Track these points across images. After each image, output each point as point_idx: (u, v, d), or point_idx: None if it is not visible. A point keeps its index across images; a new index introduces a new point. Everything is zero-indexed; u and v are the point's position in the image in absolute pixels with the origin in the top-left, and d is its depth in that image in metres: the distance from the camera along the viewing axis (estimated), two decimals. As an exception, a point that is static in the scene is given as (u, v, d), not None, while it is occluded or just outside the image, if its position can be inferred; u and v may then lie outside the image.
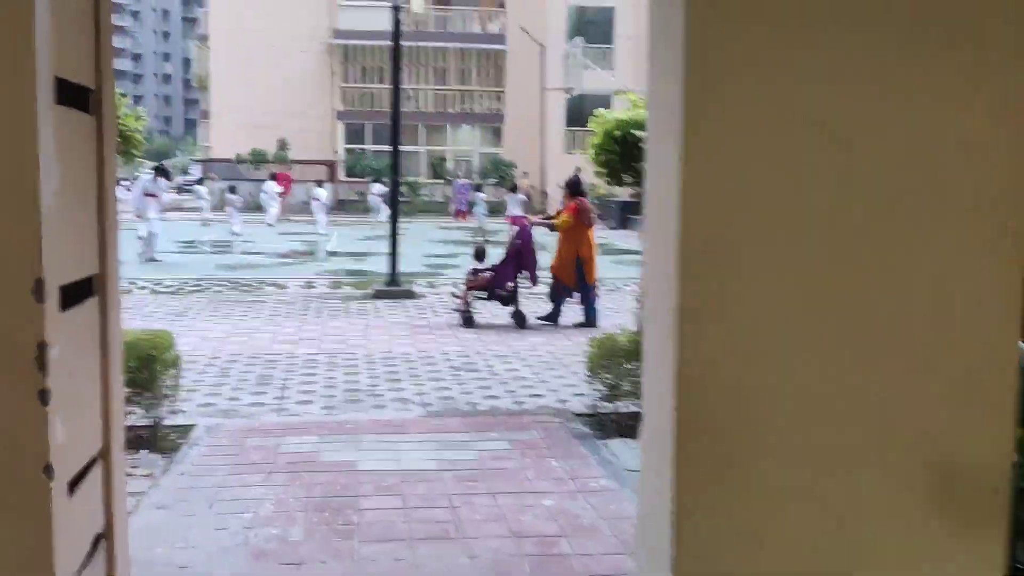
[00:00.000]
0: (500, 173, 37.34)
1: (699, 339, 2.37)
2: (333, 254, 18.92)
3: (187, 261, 16.38)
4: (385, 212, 26.47)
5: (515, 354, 8.60)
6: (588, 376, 6.25)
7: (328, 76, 40.23)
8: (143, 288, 12.66)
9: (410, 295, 12.18)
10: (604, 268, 15.20)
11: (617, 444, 5.63)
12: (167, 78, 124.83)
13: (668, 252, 2.41)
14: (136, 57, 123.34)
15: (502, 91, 40.51)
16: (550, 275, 10.43)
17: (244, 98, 38.50)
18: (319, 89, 39.92)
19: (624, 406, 6.01)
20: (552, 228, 10.42)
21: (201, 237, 22.39)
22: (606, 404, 6.12)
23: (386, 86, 40.59)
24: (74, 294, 2.46)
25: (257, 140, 37.40)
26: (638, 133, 5.84)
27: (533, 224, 10.56)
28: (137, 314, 10.42)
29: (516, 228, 10.57)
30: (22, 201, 2.08)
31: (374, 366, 7.98)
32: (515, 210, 22.15)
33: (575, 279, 10.17)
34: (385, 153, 39.67)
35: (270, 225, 25.84)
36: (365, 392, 7.02)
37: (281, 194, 31.29)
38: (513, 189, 23.25)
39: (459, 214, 32.51)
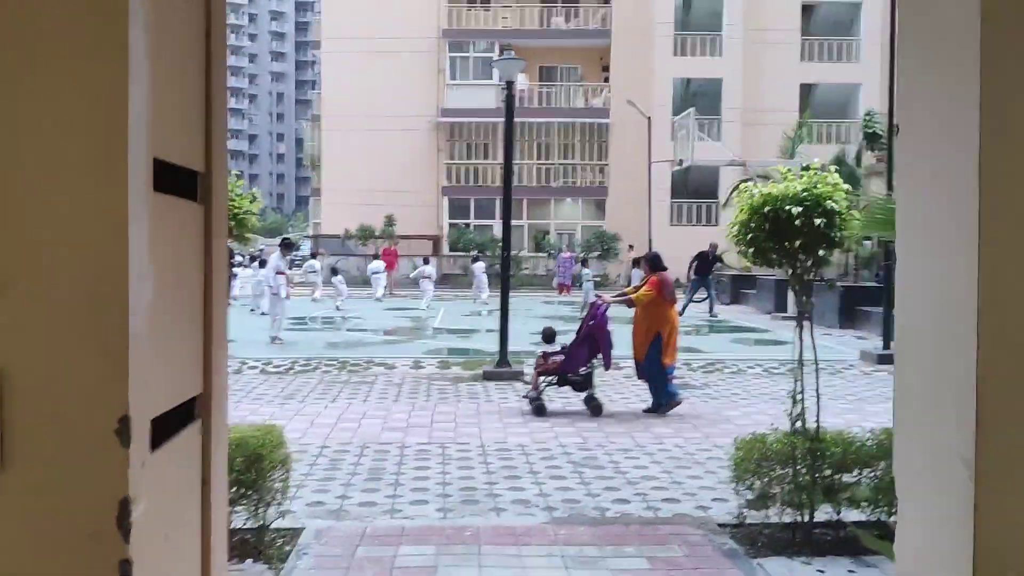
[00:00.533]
0: (604, 246, 36.89)
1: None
2: (439, 331, 18.65)
3: (297, 339, 16.28)
4: (487, 287, 26.44)
5: (639, 447, 7.92)
6: (733, 482, 5.55)
7: (435, 153, 40.88)
8: (253, 367, 12.52)
9: (519, 376, 11.65)
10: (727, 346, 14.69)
11: (774, 565, 4.89)
12: (280, 157, 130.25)
13: (954, 345, 1.79)
14: (252, 138, 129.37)
15: (606, 164, 40.38)
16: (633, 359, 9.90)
17: (353, 176, 39.42)
18: (425, 166, 40.57)
19: (775, 515, 5.30)
20: (630, 304, 9.64)
21: (311, 313, 22.53)
22: (754, 512, 5.41)
23: (490, 162, 41.09)
24: (170, 423, 2.00)
25: (365, 216, 38.05)
26: (791, 208, 5.21)
27: (608, 303, 9.75)
28: (245, 396, 10.21)
29: (593, 306, 9.85)
30: (108, 310, 1.64)
31: (488, 458, 7.43)
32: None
33: (644, 355, 9.53)
34: (488, 227, 40.04)
35: (378, 300, 25.95)
36: (482, 491, 6.45)
37: (387, 269, 31.52)
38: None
39: (562, 288, 32.03)
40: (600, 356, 9.51)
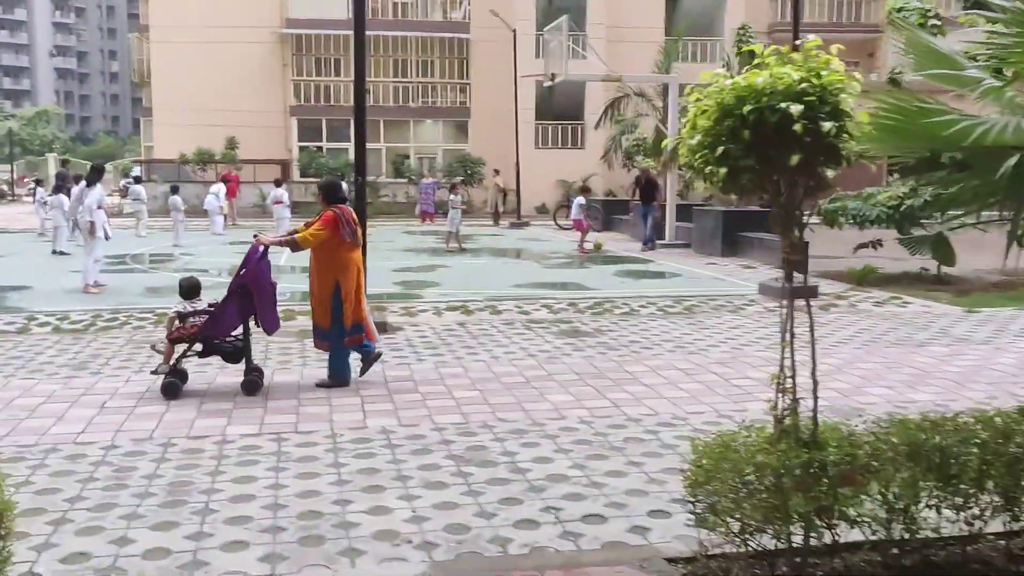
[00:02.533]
0: (468, 170, 34.91)
1: None
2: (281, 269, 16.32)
3: (114, 283, 13.65)
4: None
5: (540, 430, 6.18)
6: (688, 499, 3.86)
7: (280, 69, 37.46)
8: (44, 324, 10.02)
9: (380, 328, 9.64)
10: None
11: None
12: (114, 76, 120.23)
13: None
14: (81, 55, 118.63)
15: (468, 83, 38.13)
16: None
17: (189, 94, 35.62)
18: (270, 83, 37.16)
19: (748, 540, 3.66)
20: (294, 247, 7.31)
21: (136, 250, 19.61)
22: (713, 537, 3.76)
23: (343, 79, 37.90)
24: None
25: (204, 139, 34.52)
26: (788, 107, 3.41)
27: (267, 244, 7.19)
28: (23, 367, 7.83)
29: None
30: None
31: (345, 447, 5.52)
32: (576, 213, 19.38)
33: (329, 319, 7.31)
34: (342, 151, 37.17)
35: (217, 235, 23.11)
36: (330, 519, 4.54)
37: (229, 197, 28.56)
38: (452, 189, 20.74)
39: (424, 216, 30.01)
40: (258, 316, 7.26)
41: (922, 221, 13.51)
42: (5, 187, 48.67)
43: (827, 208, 14.73)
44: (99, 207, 12.59)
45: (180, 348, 7.15)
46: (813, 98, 3.47)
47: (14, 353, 8.52)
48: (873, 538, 3.77)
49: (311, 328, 7.65)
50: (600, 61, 22.65)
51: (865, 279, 13.71)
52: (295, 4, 36.54)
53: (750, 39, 25.36)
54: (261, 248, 7.15)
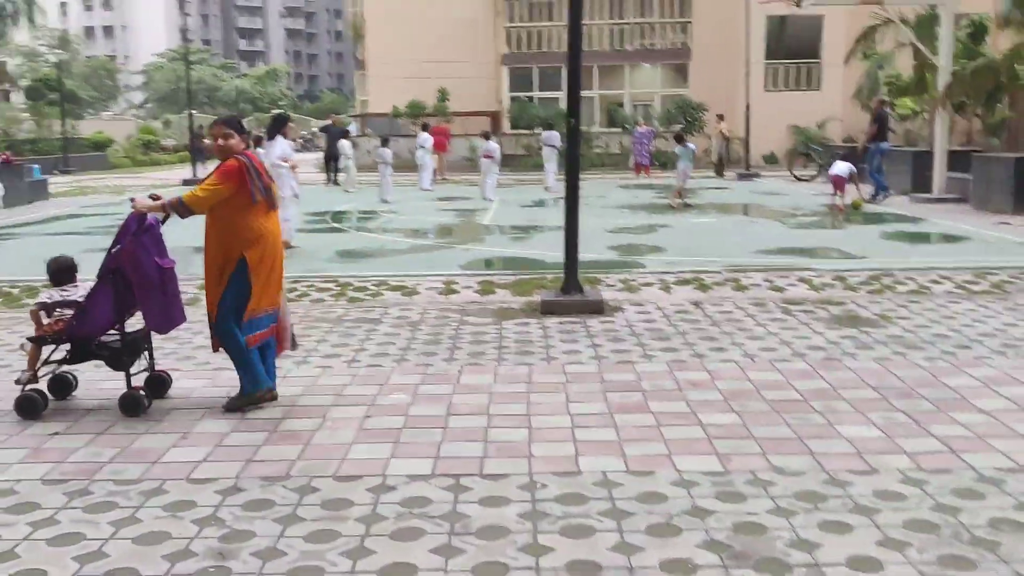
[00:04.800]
0: (687, 117, 32.08)
1: None
2: (488, 230, 14.75)
3: (308, 244, 12.60)
4: (554, 171, 22.22)
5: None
6: None
7: (491, 16, 36.04)
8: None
9: (596, 309, 7.73)
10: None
11: None
12: (339, 34, 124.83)
13: None
14: (309, 16, 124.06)
15: (689, 22, 35.10)
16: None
17: (402, 46, 35.02)
18: (482, 32, 35.84)
19: None
20: (182, 210, 5.15)
21: (340, 206, 18.79)
22: None
23: (556, 23, 35.96)
24: None
25: (417, 92, 33.78)
26: None
27: (144, 210, 5.18)
28: (179, 348, 6.56)
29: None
30: None
31: (549, 510, 3.68)
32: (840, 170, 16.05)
33: (217, 302, 5.22)
34: (553, 100, 35.37)
35: (425, 190, 21.99)
36: None
37: (438, 150, 27.54)
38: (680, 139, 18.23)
39: (639, 168, 27.70)
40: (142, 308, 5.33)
41: None
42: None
43: None
44: (284, 161, 11.39)
45: (48, 350, 5.36)
46: None
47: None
48: None
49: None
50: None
51: None
52: (507, -54, 34.92)
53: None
54: (137, 217, 5.13)
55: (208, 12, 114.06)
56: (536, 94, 35.51)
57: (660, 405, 5.24)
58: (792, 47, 33.68)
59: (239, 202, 5.14)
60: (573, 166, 7.80)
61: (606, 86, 35.49)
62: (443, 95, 33.53)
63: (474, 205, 18.71)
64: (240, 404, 5.24)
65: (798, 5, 17.39)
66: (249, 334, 5.23)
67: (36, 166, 21.19)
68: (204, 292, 5.43)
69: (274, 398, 5.35)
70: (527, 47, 35.77)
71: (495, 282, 9.22)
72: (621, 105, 35.25)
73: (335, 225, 15.47)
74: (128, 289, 5.18)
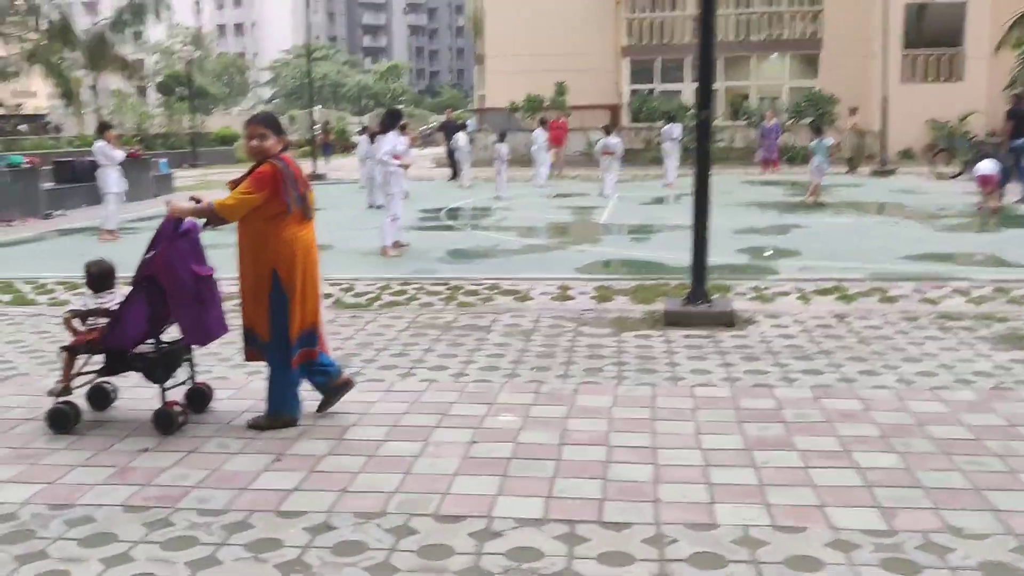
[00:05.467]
0: (818, 109, 30.51)
1: None
2: (607, 227, 14.14)
3: (420, 243, 12.31)
4: (675, 167, 21.38)
5: None
6: None
7: (612, 6, 35.24)
8: (325, 297, 8.60)
9: (727, 321, 7.06)
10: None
11: None
12: (459, 30, 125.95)
13: None
14: (431, 12, 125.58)
15: (820, 9, 33.44)
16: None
17: (521, 39, 34.68)
18: (602, 23, 35.10)
19: None
20: (211, 217, 4.73)
21: (455, 202, 18.52)
22: None
23: (678, 13, 34.93)
24: None
25: (534, 85, 33.33)
26: None
27: (180, 215, 4.78)
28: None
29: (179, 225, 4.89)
30: None
31: (681, 573, 3.14)
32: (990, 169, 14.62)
33: (268, 325, 4.80)
34: (675, 93, 34.34)
35: (538, 187, 21.47)
36: None
37: (555, 145, 27.06)
38: (818, 131, 17.06)
39: (766, 164, 26.44)
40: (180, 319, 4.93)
41: None
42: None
43: None
44: (395, 157, 11.08)
45: (83, 360, 5.04)
46: None
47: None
48: None
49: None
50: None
51: None
52: (631, -65, 34.06)
53: None
54: (173, 222, 4.75)
55: (334, 10, 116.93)
56: (658, 86, 34.55)
57: (806, 440, 4.57)
58: (932, 36, 31.64)
59: (272, 211, 4.71)
60: (703, 162, 7.14)
61: (731, 77, 34.20)
62: (561, 89, 32.98)
63: (591, 202, 18.11)
64: (267, 424, 4.87)
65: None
66: (294, 354, 4.86)
67: (163, 160, 21.79)
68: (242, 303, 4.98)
69: (294, 424, 4.92)
70: (648, 39, 34.83)
71: (613, 288, 8.62)
72: (747, 98, 33.91)
73: (449, 222, 15.16)
74: (162, 298, 4.82)
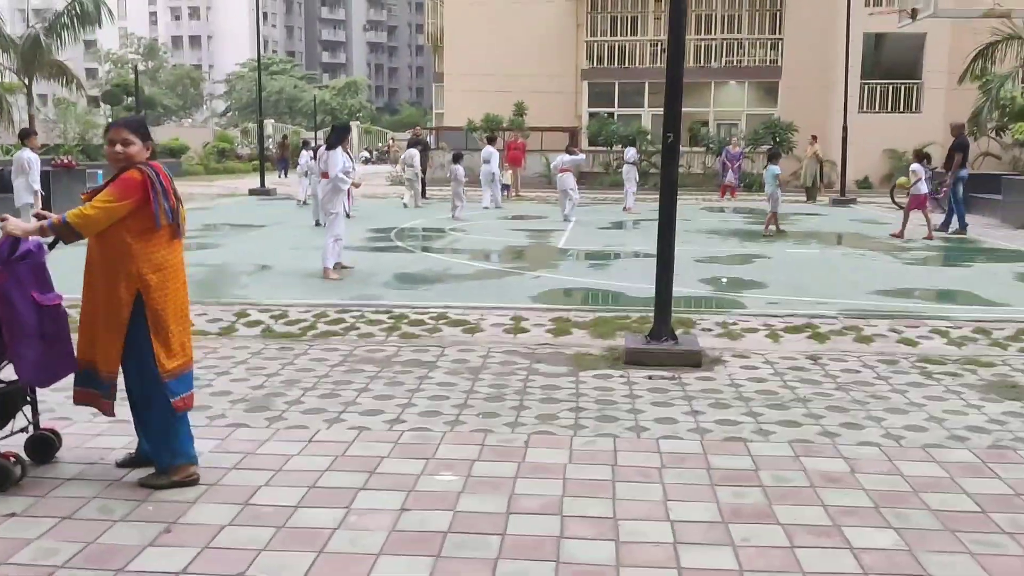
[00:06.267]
0: (776, 137, 30.41)
1: None
2: (565, 253, 13.54)
3: (365, 264, 11.60)
4: (633, 191, 20.88)
5: None
6: None
7: (573, 29, 34.96)
8: (254, 324, 7.85)
9: (693, 360, 6.45)
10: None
11: None
12: (420, 49, 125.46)
13: None
14: (391, 30, 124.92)
15: (780, 38, 33.52)
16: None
17: (480, 58, 34.25)
18: (562, 45, 34.78)
19: None
20: (66, 232, 3.96)
21: (407, 223, 17.81)
22: None
23: (638, 38, 34.71)
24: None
25: (493, 105, 32.83)
26: None
27: (17, 235, 4.04)
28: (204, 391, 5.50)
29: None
30: None
31: None
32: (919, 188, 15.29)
33: (116, 359, 4.08)
34: (634, 117, 34.03)
35: (488, 208, 20.76)
36: None
37: (513, 165, 26.58)
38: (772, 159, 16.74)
39: (725, 189, 26.21)
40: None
41: None
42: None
43: None
44: (344, 174, 10.36)
45: None
46: None
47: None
48: None
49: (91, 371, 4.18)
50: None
51: None
52: (590, -43, 33.86)
53: None
54: (26, 242, 4.09)
55: (293, 24, 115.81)
56: (616, 110, 34.24)
57: (790, 511, 3.94)
58: (890, 67, 31.83)
59: (138, 225, 4.00)
60: (670, 189, 6.53)
61: (690, 104, 33.79)
62: (520, 109, 32.52)
63: (548, 225, 17.53)
64: (159, 483, 4.13)
65: (913, 17, 15.79)
66: (177, 396, 4.13)
67: (100, 171, 20.75)
68: (79, 336, 4.19)
69: (196, 480, 4.17)
70: (608, 62, 34.58)
71: (571, 319, 7.98)
72: (705, 124, 33.74)
73: (398, 244, 14.44)
74: None
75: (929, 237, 15.01)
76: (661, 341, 6.59)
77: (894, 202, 22.36)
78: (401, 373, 6.24)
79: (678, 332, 6.87)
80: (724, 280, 10.54)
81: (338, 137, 10.62)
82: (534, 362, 6.57)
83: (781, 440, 4.90)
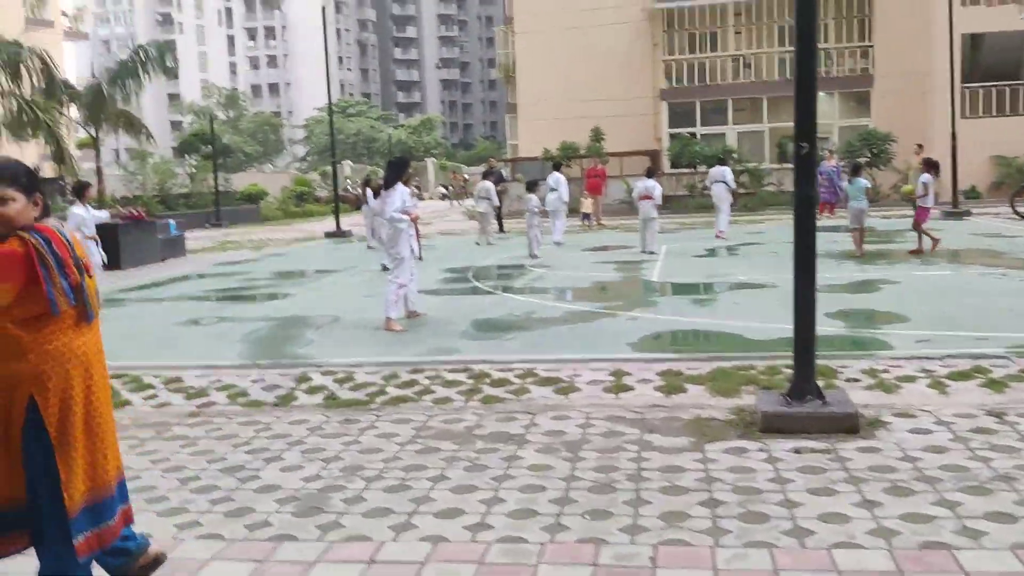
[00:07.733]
0: (873, 148, 28.59)
1: None
2: (660, 291, 12.24)
3: (438, 311, 10.57)
4: (727, 213, 19.41)
5: None
6: None
7: (649, 49, 33.79)
8: (317, 391, 6.83)
9: (849, 426, 5.13)
10: None
11: None
12: (492, 83, 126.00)
13: None
14: (463, 66, 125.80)
15: (870, 46, 31.76)
16: None
17: (553, 85, 33.42)
18: (638, 66, 33.65)
19: None
20: None
21: (483, 261, 16.77)
22: None
23: (719, 54, 33.26)
24: None
25: (569, 133, 31.84)
26: None
27: None
28: (222, 500, 4.45)
29: None
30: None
31: None
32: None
33: (17, 487, 2.96)
34: (718, 136, 32.57)
35: (560, 244, 19.14)
36: None
37: (593, 193, 25.49)
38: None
39: (823, 207, 24.48)
40: None
41: None
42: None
43: None
44: (405, 212, 9.35)
45: None
46: None
47: (236, 459, 5.25)
48: None
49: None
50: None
51: None
52: (666, -25, 32.72)
53: None
54: None
55: (368, 67, 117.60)
56: (698, 130, 32.84)
57: None
58: (988, 70, 29.74)
59: (25, 312, 2.96)
60: (806, 210, 5.28)
61: (776, 119, 32.39)
62: (597, 134, 31.39)
63: (636, 256, 16.27)
64: None
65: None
66: (81, 535, 3.03)
67: (172, 221, 20.39)
68: None
69: None
70: (688, 80, 33.26)
71: (682, 372, 6.73)
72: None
73: (476, 284, 13.38)
74: None
75: (918, 252, 14.29)
76: (804, 401, 5.30)
77: (1015, 212, 20.45)
78: (484, 452, 5.10)
79: (820, 385, 5.56)
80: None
81: (395, 173, 9.57)
82: (645, 432, 5.36)
83: (999, 545, 3.59)
